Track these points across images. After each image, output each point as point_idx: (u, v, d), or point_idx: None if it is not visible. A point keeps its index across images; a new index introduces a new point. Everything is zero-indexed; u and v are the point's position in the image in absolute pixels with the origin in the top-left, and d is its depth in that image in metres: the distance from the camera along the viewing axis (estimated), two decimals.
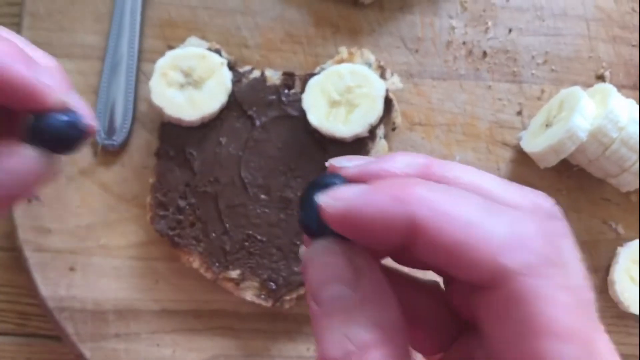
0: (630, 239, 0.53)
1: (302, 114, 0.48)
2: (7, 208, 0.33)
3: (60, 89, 0.31)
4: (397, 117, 0.50)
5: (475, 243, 0.23)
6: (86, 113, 0.32)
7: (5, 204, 0.31)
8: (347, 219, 0.24)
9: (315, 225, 0.25)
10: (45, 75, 0.31)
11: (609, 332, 0.53)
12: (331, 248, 0.25)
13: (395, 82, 0.50)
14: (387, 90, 0.48)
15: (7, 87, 0.29)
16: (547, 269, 0.23)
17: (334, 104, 0.48)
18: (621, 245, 0.53)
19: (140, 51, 0.53)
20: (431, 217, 0.23)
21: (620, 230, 0.53)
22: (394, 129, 0.50)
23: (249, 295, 0.49)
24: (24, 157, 0.31)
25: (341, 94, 0.48)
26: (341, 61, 0.50)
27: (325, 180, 0.26)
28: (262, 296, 0.48)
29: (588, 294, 0.25)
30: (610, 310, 0.53)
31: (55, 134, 0.32)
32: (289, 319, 0.51)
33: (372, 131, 0.48)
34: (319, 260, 0.25)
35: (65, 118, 0.31)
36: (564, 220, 0.26)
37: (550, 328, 0.23)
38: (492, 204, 0.25)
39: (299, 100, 0.49)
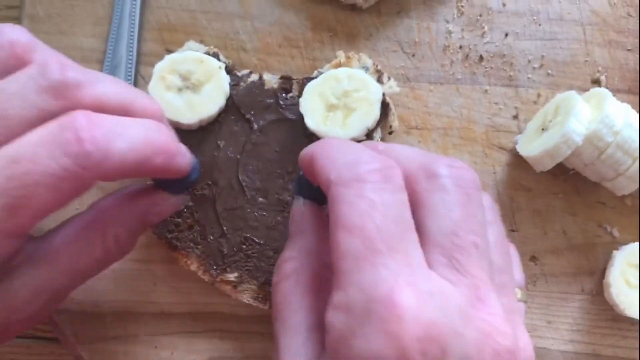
0: (626, 242, 0.53)
1: (300, 117, 0.48)
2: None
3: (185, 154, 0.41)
4: (394, 121, 0.50)
5: (325, 168, 0.35)
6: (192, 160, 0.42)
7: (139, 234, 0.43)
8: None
9: (297, 191, 0.42)
10: (183, 150, 0.40)
11: (604, 335, 0.54)
12: (299, 203, 0.42)
13: (392, 86, 0.50)
14: (384, 95, 0.49)
15: (164, 170, 0.39)
16: (354, 183, 0.33)
17: (331, 107, 0.48)
18: (617, 248, 0.53)
19: (138, 54, 0.53)
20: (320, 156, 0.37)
21: (616, 233, 0.54)
22: (390, 133, 0.50)
23: (247, 298, 0.49)
24: (170, 203, 0.44)
25: (338, 97, 0.48)
26: (339, 65, 0.50)
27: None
28: (260, 299, 0.49)
29: (381, 206, 0.32)
30: (606, 313, 0.53)
31: (184, 185, 0.44)
32: None
33: (369, 135, 0.48)
34: (294, 210, 0.42)
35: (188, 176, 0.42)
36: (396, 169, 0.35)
37: (343, 222, 0.32)
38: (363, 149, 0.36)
39: (297, 104, 0.49)
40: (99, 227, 0.40)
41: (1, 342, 0.41)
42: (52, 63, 0.36)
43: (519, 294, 0.40)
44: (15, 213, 0.33)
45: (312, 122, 0.48)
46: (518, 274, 0.41)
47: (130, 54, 0.53)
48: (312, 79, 0.49)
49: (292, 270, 0.38)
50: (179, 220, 0.49)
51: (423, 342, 0.29)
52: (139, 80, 0.53)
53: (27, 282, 0.37)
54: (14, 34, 0.37)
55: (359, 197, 0.33)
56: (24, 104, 0.35)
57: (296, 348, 0.35)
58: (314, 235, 0.39)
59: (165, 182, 0.43)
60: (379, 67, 0.50)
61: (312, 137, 0.49)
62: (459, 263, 0.33)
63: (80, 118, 0.35)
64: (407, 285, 0.30)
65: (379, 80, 0.49)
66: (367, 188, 0.33)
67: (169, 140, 0.39)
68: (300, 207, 0.41)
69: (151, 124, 0.38)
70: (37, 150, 0.33)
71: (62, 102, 0.35)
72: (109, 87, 0.38)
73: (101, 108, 0.36)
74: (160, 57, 0.50)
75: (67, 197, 0.35)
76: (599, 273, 0.53)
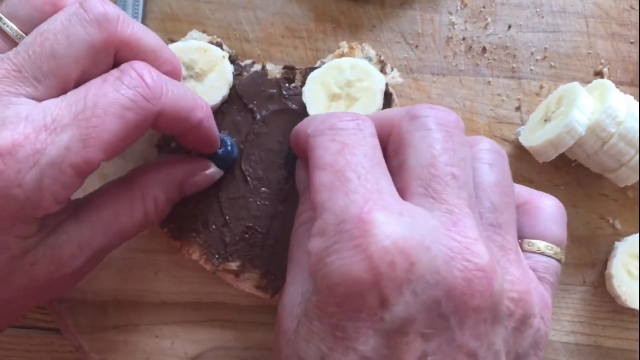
0: (628, 234, 0.53)
1: (303, 107, 0.48)
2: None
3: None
4: None
5: (304, 128, 0.39)
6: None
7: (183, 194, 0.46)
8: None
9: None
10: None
11: (606, 326, 0.54)
12: (300, 164, 0.45)
13: (395, 76, 0.50)
14: (387, 85, 0.49)
15: (200, 138, 0.43)
16: (328, 131, 0.36)
17: (334, 97, 0.48)
18: (619, 240, 0.53)
19: None
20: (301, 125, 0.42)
21: (618, 225, 0.54)
22: None
23: (249, 287, 0.49)
24: (206, 174, 0.46)
25: (341, 87, 0.48)
26: (342, 55, 0.50)
27: None
28: (262, 288, 0.49)
29: (352, 145, 0.35)
30: (608, 304, 0.53)
31: (229, 160, 0.48)
32: None
33: None
34: (297, 171, 0.46)
35: (226, 152, 0.47)
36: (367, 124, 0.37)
37: (317, 163, 0.35)
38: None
39: (300, 94, 0.49)
40: (139, 189, 0.43)
41: (43, 299, 0.44)
42: None
43: (552, 249, 0.40)
44: (87, 144, 0.35)
45: (315, 111, 0.48)
46: (556, 230, 0.41)
47: None
48: (315, 68, 0.49)
49: (305, 219, 0.41)
50: (182, 209, 0.49)
51: (391, 254, 0.31)
52: None
53: (72, 237, 0.39)
54: None
55: (332, 141, 0.36)
56: (70, 41, 0.37)
57: (301, 280, 0.38)
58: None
59: (212, 157, 0.47)
60: (382, 58, 0.50)
61: None
62: (435, 191, 0.34)
63: (139, 63, 0.39)
64: (376, 206, 0.33)
65: (382, 71, 0.49)
66: (339, 134, 0.36)
67: (205, 102, 0.43)
68: (301, 166, 0.45)
69: (187, 87, 0.43)
70: (103, 86, 0.37)
71: (106, 34, 0.38)
72: (143, 29, 0.41)
73: (137, 46, 0.40)
74: None
75: (133, 128, 0.37)
76: (601, 265, 0.53)
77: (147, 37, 0.41)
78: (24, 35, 0.39)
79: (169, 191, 0.44)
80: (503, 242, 0.36)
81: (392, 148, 0.38)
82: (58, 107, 0.36)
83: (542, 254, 0.40)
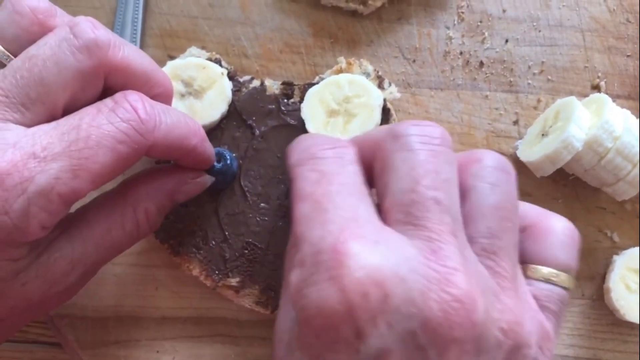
0: (626, 247, 0.53)
1: (302, 123, 0.49)
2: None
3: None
4: None
5: (289, 157, 0.38)
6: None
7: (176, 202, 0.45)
8: None
9: None
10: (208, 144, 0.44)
11: (605, 339, 0.54)
12: None
13: (393, 91, 0.50)
14: (385, 100, 0.49)
15: (195, 159, 0.43)
16: (308, 161, 0.36)
17: (332, 113, 0.48)
18: (617, 253, 0.53)
19: None
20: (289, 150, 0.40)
21: (616, 238, 0.54)
22: None
23: (248, 303, 0.49)
24: (197, 182, 0.45)
25: (339, 103, 0.48)
26: (340, 71, 0.50)
27: None
28: (262, 303, 0.49)
29: (330, 174, 0.35)
30: (606, 317, 0.53)
31: (228, 175, 0.48)
32: None
33: None
34: None
35: (225, 167, 0.47)
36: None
37: (298, 194, 0.35)
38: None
39: (298, 110, 0.49)
40: (130, 202, 0.42)
41: (38, 316, 0.44)
42: (83, 22, 0.38)
43: (557, 276, 0.38)
44: (76, 175, 0.35)
45: (313, 127, 0.48)
46: (564, 255, 0.39)
47: None
48: (314, 84, 0.50)
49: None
50: (181, 225, 0.49)
51: (365, 285, 0.30)
52: None
53: (64, 255, 0.39)
54: (34, 1, 0.39)
55: (311, 171, 0.36)
56: (59, 67, 0.37)
57: (289, 307, 0.36)
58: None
59: (211, 172, 0.46)
60: (379, 73, 0.50)
61: None
62: (416, 218, 0.33)
63: (133, 94, 0.38)
64: (352, 236, 0.32)
65: (380, 86, 0.50)
66: (319, 163, 0.36)
67: (199, 126, 0.43)
68: None
69: (182, 112, 0.42)
70: (97, 117, 0.37)
71: (96, 61, 0.38)
72: (134, 52, 0.40)
73: (128, 70, 0.40)
74: (163, 63, 0.50)
75: (124, 161, 0.37)
76: (599, 278, 0.53)
77: (139, 60, 0.40)
78: (10, 56, 0.38)
79: (160, 202, 0.44)
80: (497, 268, 0.35)
81: (376, 170, 0.37)
82: (49, 135, 0.36)
83: (547, 281, 0.38)
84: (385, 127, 0.38)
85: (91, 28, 0.38)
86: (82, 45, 0.37)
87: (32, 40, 0.38)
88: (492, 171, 0.37)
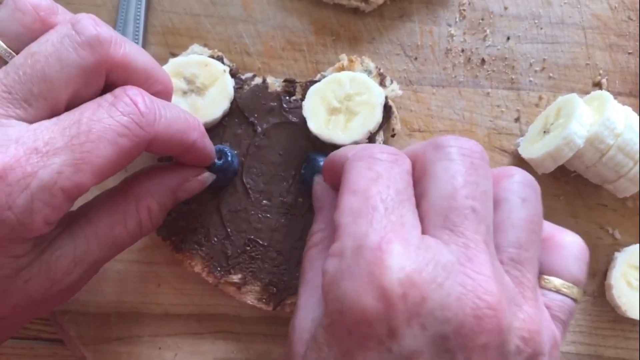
0: (627, 244, 0.53)
1: (303, 120, 0.49)
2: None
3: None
4: (397, 124, 0.50)
5: (344, 153, 0.39)
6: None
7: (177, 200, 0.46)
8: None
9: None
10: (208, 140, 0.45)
11: (606, 336, 0.54)
12: (319, 181, 0.46)
13: (394, 89, 0.50)
14: (386, 98, 0.49)
15: (195, 155, 0.44)
16: (367, 158, 0.37)
17: (333, 111, 0.48)
18: (618, 250, 0.53)
19: None
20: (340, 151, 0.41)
21: (617, 235, 0.54)
22: (393, 136, 0.51)
23: (250, 299, 0.49)
24: (199, 180, 0.46)
25: (341, 101, 0.48)
26: (341, 69, 0.50)
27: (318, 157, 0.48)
28: (264, 300, 0.49)
29: (386, 177, 0.36)
30: (608, 314, 0.53)
31: (229, 172, 0.49)
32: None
33: (372, 138, 0.49)
34: (316, 187, 0.46)
35: (227, 164, 0.48)
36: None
37: (350, 186, 0.36)
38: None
39: (300, 107, 0.49)
40: (133, 200, 0.43)
41: (40, 314, 0.44)
42: (85, 19, 0.39)
43: (569, 288, 0.39)
44: (79, 169, 0.36)
45: (315, 125, 0.48)
46: (575, 269, 0.40)
47: None
48: (315, 82, 0.50)
49: (319, 239, 0.42)
50: (184, 222, 0.49)
51: (404, 286, 0.31)
52: None
53: (66, 252, 0.39)
54: None
55: (368, 169, 0.36)
56: (61, 63, 0.37)
57: (312, 305, 0.38)
58: (334, 208, 0.40)
59: (212, 168, 0.47)
60: (381, 71, 0.50)
61: (315, 140, 0.49)
62: (454, 224, 0.34)
63: (133, 89, 0.39)
64: (396, 238, 0.33)
65: (382, 84, 0.50)
66: (377, 164, 0.36)
67: (198, 122, 0.43)
68: (321, 185, 0.46)
69: (181, 108, 0.43)
70: (98, 111, 0.37)
71: (98, 57, 0.38)
72: (135, 49, 0.41)
73: (129, 67, 0.40)
74: (165, 61, 0.50)
75: (125, 155, 0.37)
76: (601, 275, 0.54)
77: (140, 57, 0.41)
78: (12, 53, 0.38)
79: (162, 200, 0.44)
80: (522, 278, 0.36)
81: (415, 176, 0.37)
82: (50, 131, 0.36)
83: (558, 292, 0.39)
84: (429, 140, 0.39)
85: (93, 25, 0.38)
86: (84, 42, 0.38)
87: (33, 37, 0.39)
88: (523, 187, 0.38)
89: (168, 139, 0.40)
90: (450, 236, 0.34)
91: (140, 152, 0.39)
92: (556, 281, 0.39)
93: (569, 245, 0.41)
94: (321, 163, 0.47)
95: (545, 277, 0.39)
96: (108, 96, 0.38)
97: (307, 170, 0.48)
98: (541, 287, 0.39)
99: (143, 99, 0.39)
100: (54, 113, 0.38)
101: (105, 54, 0.38)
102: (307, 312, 0.38)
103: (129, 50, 0.40)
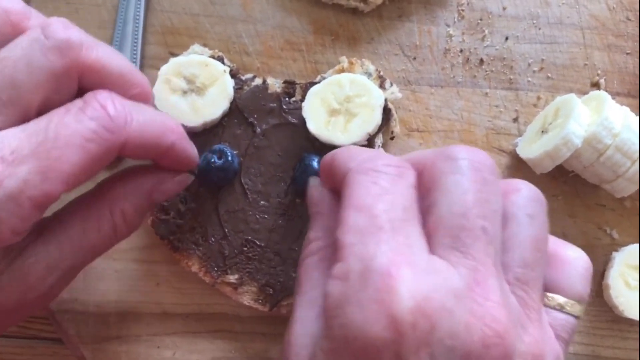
0: (625, 244, 0.53)
1: (303, 121, 0.49)
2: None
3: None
4: (396, 127, 0.50)
5: (346, 161, 0.38)
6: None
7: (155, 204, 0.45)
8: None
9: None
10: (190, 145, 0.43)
11: (604, 336, 0.54)
12: (315, 183, 0.43)
13: (394, 91, 0.50)
14: (386, 100, 0.49)
15: (175, 159, 0.42)
16: (371, 172, 0.35)
17: (333, 112, 0.48)
18: (616, 250, 0.53)
19: (142, 58, 0.54)
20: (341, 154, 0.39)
21: (615, 235, 0.54)
22: (392, 138, 0.51)
23: (247, 300, 0.49)
24: (176, 181, 0.44)
25: (340, 103, 0.48)
26: (342, 71, 0.50)
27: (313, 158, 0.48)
28: (260, 301, 0.49)
29: (392, 192, 0.35)
30: (605, 314, 0.53)
31: (229, 172, 0.49)
32: None
33: (370, 140, 0.49)
34: (311, 190, 0.43)
35: (227, 163, 0.48)
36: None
37: (354, 202, 0.34)
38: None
39: (300, 108, 0.49)
40: (107, 203, 0.41)
41: (15, 322, 0.42)
42: (55, 23, 0.37)
43: (572, 306, 0.39)
44: (46, 177, 0.34)
45: (314, 126, 0.48)
46: (579, 286, 0.39)
47: (134, 57, 0.53)
48: (315, 83, 0.50)
49: (316, 248, 0.40)
50: (181, 221, 0.49)
51: (415, 315, 0.30)
52: None
53: (39, 259, 0.38)
54: (7, 2, 0.38)
55: (373, 184, 0.35)
56: (30, 68, 0.36)
57: (310, 320, 0.36)
58: (332, 215, 0.40)
59: (212, 169, 0.48)
60: (381, 73, 0.51)
61: (314, 141, 0.49)
62: (464, 245, 0.33)
63: (103, 93, 0.37)
64: (405, 262, 0.32)
65: (382, 86, 0.50)
66: (382, 177, 0.35)
67: (177, 124, 0.42)
68: (318, 189, 0.43)
69: (158, 111, 0.42)
70: (66, 117, 0.35)
71: (68, 61, 0.37)
72: (108, 52, 0.39)
73: (102, 71, 0.39)
74: (164, 60, 0.50)
75: (95, 161, 0.36)
76: (599, 275, 0.54)
77: (114, 60, 0.39)
78: None
79: (137, 202, 0.42)
80: (527, 299, 0.35)
81: (423, 187, 0.36)
82: (17, 138, 0.35)
83: (562, 310, 0.38)
84: (436, 149, 0.38)
85: (63, 28, 0.37)
86: (53, 46, 0.36)
87: (4, 42, 0.37)
88: (530, 202, 0.37)
89: (142, 143, 0.38)
90: (459, 258, 0.33)
91: (112, 157, 0.38)
92: (560, 299, 0.38)
93: (573, 262, 0.40)
94: (315, 163, 0.47)
95: (549, 295, 0.39)
96: (78, 101, 0.37)
97: (299, 170, 0.48)
98: (544, 305, 0.38)
99: (113, 102, 0.37)
100: (24, 119, 0.36)
101: (76, 58, 0.37)
102: (305, 326, 0.36)
103: (102, 53, 0.39)
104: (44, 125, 0.35)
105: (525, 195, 0.37)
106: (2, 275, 0.37)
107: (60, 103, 0.37)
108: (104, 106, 0.37)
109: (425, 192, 0.36)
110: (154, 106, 0.48)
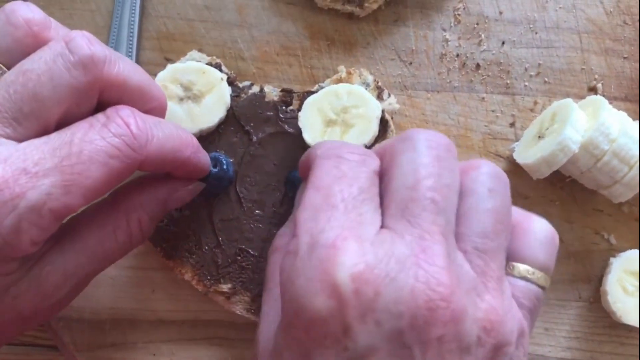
0: (623, 250, 0.53)
1: (299, 131, 0.48)
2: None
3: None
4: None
5: (314, 151, 0.39)
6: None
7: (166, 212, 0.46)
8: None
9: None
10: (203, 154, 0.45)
11: (602, 342, 0.54)
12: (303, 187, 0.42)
13: (392, 102, 0.50)
14: (383, 111, 0.49)
15: (189, 170, 0.44)
16: (335, 157, 0.37)
17: (329, 123, 0.48)
18: (614, 255, 0.53)
19: (137, 63, 0.53)
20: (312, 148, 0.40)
21: (613, 240, 0.54)
22: None
23: (239, 310, 0.49)
24: (189, 189, 0.45)
25: (337, 113, 0.48)
26: (339, 81, 0.50)
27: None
28: (253, 310, 0.49)
29: (351, 177, 0.36)
30: (603, 320, 0.53)
31: (225, 180, 0.49)
32: None
33: None
34: (298, 192, 0.45)
35: (222, 172, 0.48)
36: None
37: (314, 183, 0.36)
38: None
39: (296, 118, 0.49)
40: (123, 212, 0.42)
41: (30, 328, 0.44)
42: (80, 37, 0.38)
43: (534, 274, 0.39)
44: (69, 190, 0.35)
45: (310, 136, 0.48)
46: (541, 254, 0.39)
47: None
48: (313, 92, 0.50)
49: (283, 243, 0.42)
50: (175, 229, 0.49)
51: (356, 282, 0.31)
52: None
53: (56, 268, 0.39)
54: (29, 13, 0.38)
55: (335, 168, 0.36)
56: (54, 83, 0.37)
57: (272, 318, 0.38)
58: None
59: (208, 177, 0.47)
60: (379, 84, 0.50)
61: None
62: (412, 214, 0.34)
63: (125, 110, 0.38)
64: (352, 236, 0.33)
65: (379, 97, 0.50)
66: (344, 163, 0.36)
67: (192, 137, 0.43)
68: (302, 186, 0.44)
69: (175, 124, 0.42)
70: (90, 132, 0.37)
71: (91, 77, 0.37)
72: (129, 67, 0.40)
73: (123, 85, 0.39)
74: (159, 66, 0.50)
75: (116, 176, 0.37)
76: (596, 280, 0.53)
77: (134, 75, 0.40)
78: (3, 68, 0.38)
79: (152, 211, 0.43)
80: (485, 268, 0.35)
81: (382, 169, 0.37)
82: (40, 150, 0.35)
83: (523, 278, 0.39)
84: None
85: (87, 44, 0.37)
86: (77, 61, 0.37)
87: (25, 52, 0.38)
88: (490, 178, 0.38)
89: (161, 159, 0.40)
90: (406, 227, 0.34)
91: (131, 172, 0.38)
92: (521, 267, 0.39)
93: (536, 231, 0.40)
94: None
95: (511, 263, 0.39)
96: (100, 116, 0.38)
97: (292, 176, 0.49)
98: (507, 274, 0.39)
99: (135, 120, 0.38)
100: (43, 132, 0.37)
101: (99, 74, 0.38)
102: (269, 321, 0.37)
103: (123, 68, 0.39)
104: (68, 139, 0.36)
105: (485, 172, 0.38)
106: (19, 282, 0.38)
107: (80, 116, 0.38)
108: (127, 123, 0.38)
109: (384, 172, 0.37)
110: None
